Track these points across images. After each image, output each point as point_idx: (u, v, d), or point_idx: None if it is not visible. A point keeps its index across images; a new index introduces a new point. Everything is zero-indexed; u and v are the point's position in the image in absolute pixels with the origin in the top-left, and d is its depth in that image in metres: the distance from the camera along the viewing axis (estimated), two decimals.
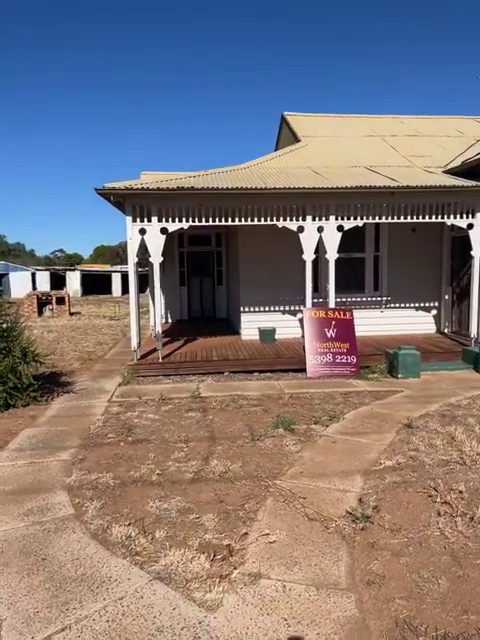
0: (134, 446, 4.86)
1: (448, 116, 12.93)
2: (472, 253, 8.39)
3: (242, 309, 10.04)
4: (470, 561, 2.87)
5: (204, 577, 2.76)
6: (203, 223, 7.87)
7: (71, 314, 21.33)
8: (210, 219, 7.86)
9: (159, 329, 8.27)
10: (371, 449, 4.70)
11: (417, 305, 10.44)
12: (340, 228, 8.18)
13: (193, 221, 7.84)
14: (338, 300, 9.12)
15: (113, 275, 43.24)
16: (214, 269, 14.20)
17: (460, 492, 3.64)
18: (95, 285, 40.94)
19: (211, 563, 2.88)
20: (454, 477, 3.95)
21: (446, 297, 10.23)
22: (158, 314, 8.38)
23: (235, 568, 2.86)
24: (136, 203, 7.73)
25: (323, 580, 2.75)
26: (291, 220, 8.10)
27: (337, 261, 8.38)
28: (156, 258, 7.90)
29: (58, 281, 39.84)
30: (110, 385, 7.45)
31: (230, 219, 7.92)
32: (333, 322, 8.31)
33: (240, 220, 7.97)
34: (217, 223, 7.94)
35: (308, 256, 8.20)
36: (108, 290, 41.53)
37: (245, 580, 2.75)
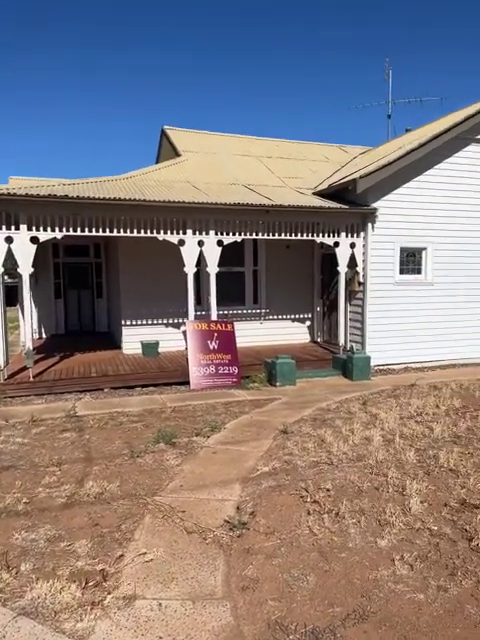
0: None
1: (316, 142, 14.04)
2: (338, 268, 9.16)
3: (123, 322, 9.78)
4: (335, 555, 3.09)
5: (75, 606, 2.60)
6: (79, 233, 7.54)
7: None
8: (86, 229, 7.55)
9: (29, 345, 7.69)
10: (250, 457, 4.84)
11: (293, 317, 11.08)
12: (220, 243, 8.39)
13: (68, 231, 7.47)
14: (220, 312, 9.32)
15: None
16: (93, 281, 13.63)
17: (328, 490, 3.91)
18: None
19: (83, 591, 2.73)
20: (323, 477, 4.23)
21: (318, 309, 11.02)
22: (29, 329, 7.79)
23: (109, 593, 2.74)
24: (2, 209, 7.15)
25: (200, 592, 2.75)
26: (172, 233, 8.11)
27: (218, 274, 8.58)
28: (25, 269, 7.37)
29: None
30: None
31: (108, 230, 7.68)
32: (215, 334, 8.46)
33: (119, 231, 7.78)
34: (94, 234, 7.66)
35: (189, 269, 8.27)
36: None
37: (119, 604, 2.64)
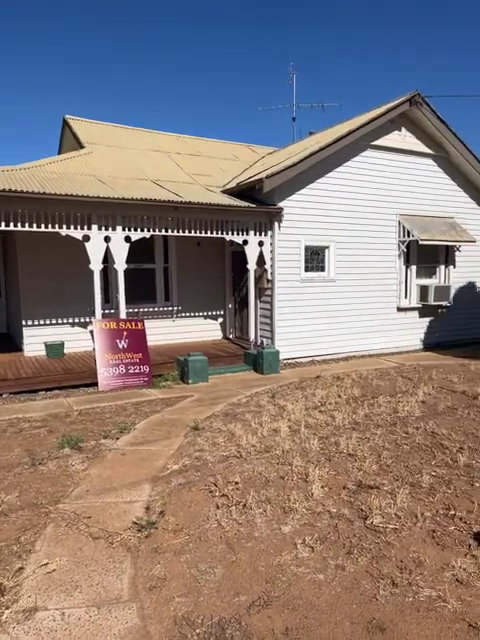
0: None
1: (226, 141, 14.19)
2: (248, 266, 9.36)
3: (24, 323, 9.20)
4: (242, 545, 3.18)
5: None
6: None
7: None
8: None
9: None
10: (160, 456, 4.81)
11: (205, 314, 11.13)
12: (128, 239, 8.19)
13: None
14: (130, 311, 9.12)
15: None
16: None
17: (236, 483, 4.01)
18: None
19: None
20: (232, 470, 4.32)
21: (230, 306, 11.18)
22: None
23: (7, 608, 2.60)
24: None
25: (105, 597, 2.69)
26: (76, 228, 7.77)
27: (127, 272, 8.37)
28: None
29: None
30: None
31: (4, 224, 7.18)
32: (125, 333, 8.26)
33: (17, 225, 7.29)
34: None
35: (95, 266, 7.98)
36: None
37: (18, 618, 2.52)
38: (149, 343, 8.47)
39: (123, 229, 8.12)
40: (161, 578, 2.85)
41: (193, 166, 11.72)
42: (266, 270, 9.49)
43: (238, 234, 9.18)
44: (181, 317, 10.85)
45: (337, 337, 10.18)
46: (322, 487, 3.91)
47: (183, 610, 2.59)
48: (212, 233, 8.93)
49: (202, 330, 11.05)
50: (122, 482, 4.19)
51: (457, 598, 2.66)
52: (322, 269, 10.06)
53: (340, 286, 10.16)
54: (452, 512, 3.54)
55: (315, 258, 9.98)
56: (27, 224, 7.37)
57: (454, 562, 2.95)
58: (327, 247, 9.99)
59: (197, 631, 2.43)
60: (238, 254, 10.16)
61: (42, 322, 9.32)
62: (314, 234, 9.74)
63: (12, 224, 7.24)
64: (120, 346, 8.13)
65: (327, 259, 10.06)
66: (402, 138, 10.58)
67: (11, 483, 4.17)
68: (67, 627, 2.46)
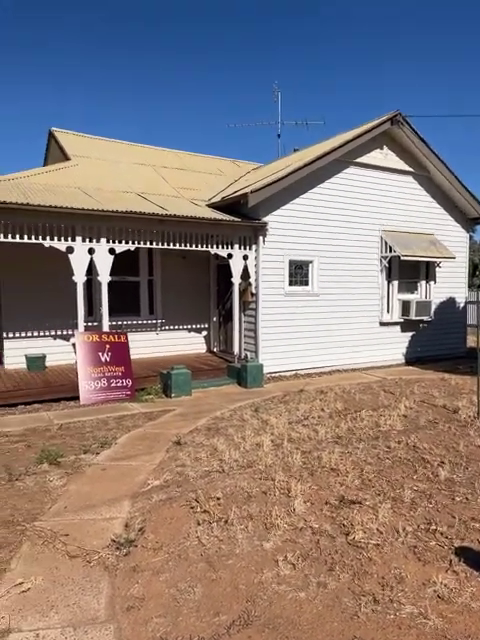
0: None
1: (211, 156, 14.31)
2: (232, 280, 9.39)
3: (5, 335, 9.05)
4: (223, 562, 3.13)
5: None
6: None
7: None
8: None
9: None
10: (141, 471, 4.74)
11: (190, 327, 11.10)
12: (112, 251, 8.16)
13: None
14: (113, 323, 9.04)
15: None
16: None
17: (218, 499, 3.96)
18: None
19: None
20: (214, 485, 4.27)
21: (214, 319, 11.17)
22: None
23: None
24: None
25: (82, 618, 2.62)
26: (60, 240, 7.72)
27: (111, 284, 8.32)
28: None
29: None
30: None
31: None
32: (107, 346, 8.18)
33: None
34: None
35: (79, 278, 7.92)
36: None
37: None
38: (132, 356, 8.39)
39: (108, 241, 8.09)
40: (139, 598, 2.78)
41: (179, 180, 11.78)
42: (251, 283, 9.53)
43: (223, 248, 9.21)
44: (165, 330, 10.79)
45: (321, 351, 10.22)
46: (304, 502, 3.88)
47: (161, 631, 2.53)
48: (197, 246, 8.95)
49: (186, 343, 11.01)
50: (102, 498, 4.11)
51: (438, 614, 2.65)
52: (306, 283, 10.13)
53: (324, 300, 10.23)
54: (433, 527, 3.55)
55: (299, 272, 10.05)
56: (10, 235, 7.30)
57: (435, 578, 2.94)
58: (311, 262, 10.07)
59: None
60: (223, 267, 10.19)
61: (23, 334, 9.19)
62: (298, 249, 9.83)
63: None
64: (103, 359, 8.04)
65: (311, 273, 10.14)
66: (384, 156, 10.80)
67: None
68: None
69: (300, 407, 7.05)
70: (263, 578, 2.96)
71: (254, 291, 9.54)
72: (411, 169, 11.18)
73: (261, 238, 9.40)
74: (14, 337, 9.11)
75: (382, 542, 3.35)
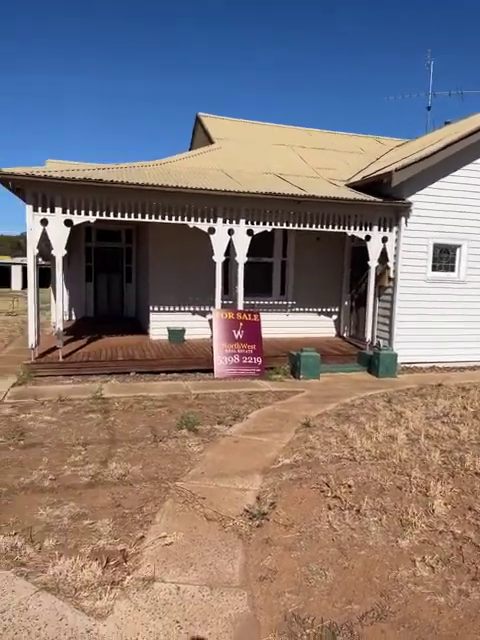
0: (26, 451, 4.55)
1: (351, 133, 13.75)
2: (369, 263, 9.00)
3: (151, 308, 9.86)
4: (355, 552, 3.06)
5: (95, 585, 2.66)
6: (111, 217, 7.61)
7: None
8: (119, 214, 7.62)
9: (60, 326, 7.84)
10: (271, 448, 4.84)
11: (319, 310, 10.97)
12: (250, 232, 8.34)
13: (100, 215, 7.54)
14: (247, 302, 9.29)
15: (13, 268, 40.26)
16: (123, 266, 13.79)
17: (349, 486, 3.87)
18: None
19: (103, 570, 2.78)
20: (345, 472, 4.19)
21: (346, 303, 10.87)
22: (60, 311, 7.94)
23: (129, 573, 2.79)
24: (38, 191, 7.27)
25: (217, 579, 2.77)
26: (202, 221, 8.11)
27: (247, 264, 8.54)
28: (59, 251, 7.49)
29: None
30: (3, 385, 6.92)
31: (140, 215, 7.74)
32: (241, 324, 8.46)
33: (150, 217, 7.82)
34: (126, 219, 7.72)
35: (218, 258, 8.26)
36: (7, 283, 38.60)
37: (138, 585, 2.69)
38: (262, 335, 8.56)
39: (246, 222, 8.29)
40: (272, 570, 2.86)
41: (318, 160, 11.55)
42: (388, 267, 9.05)
43: (361, 229, 8.86)
44: (295, 312, 10.81)
45: (463, 344, 9.38)
46: (445, 504, 3.62)
47: (293, 607, 2.56)
48: (334, 228, 8.73)
49: (315, 326, 10.90)
50: (234, 469, 4.29)
51: None
52: (451, 269, 9.32)
53: (471, 289, 9.33)
54: None
55: (444, 257, 9.27)
56: (160, 216, 7.86)
57: None
58: (459, 246, 9.22)
59: (307, 631, 2.39)
60: (358, 250, 9.83)
61: (166, 308, 9.91)
62: (444, 231, 9.05)
63: (147, 216, 7.78)
64: (236, 336, 8.34)
65: (458, 259, 9.29)
66: None
67: (136, 456, 4.49)
68: (181, 602, 2.57)
69: (439, 402, 6.57)
70: (398, 575, 2.83)
71: (392, 275, 9.04)
72: None
73: (403, 219, 8.83)
74: (158, 311, 9.88)
75: None
